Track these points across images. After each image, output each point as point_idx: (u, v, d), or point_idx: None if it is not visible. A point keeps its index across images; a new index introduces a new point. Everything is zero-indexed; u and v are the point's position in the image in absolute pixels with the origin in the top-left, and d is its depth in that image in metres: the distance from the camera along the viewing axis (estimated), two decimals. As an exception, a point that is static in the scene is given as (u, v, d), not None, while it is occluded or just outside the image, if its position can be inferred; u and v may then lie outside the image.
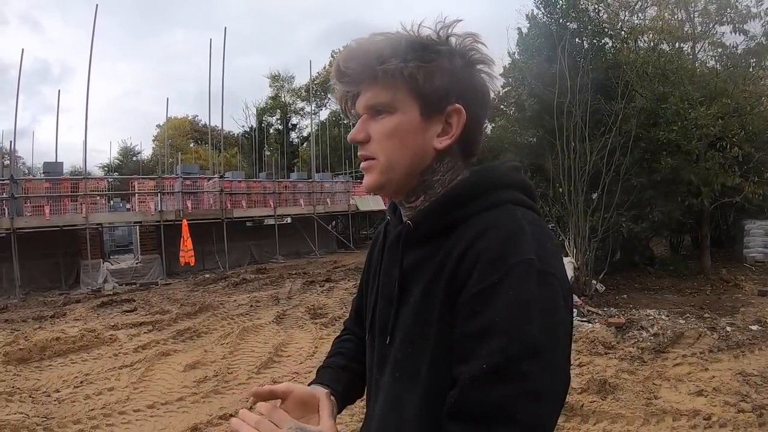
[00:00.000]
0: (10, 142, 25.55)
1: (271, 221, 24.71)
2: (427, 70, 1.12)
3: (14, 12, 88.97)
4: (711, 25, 15.19)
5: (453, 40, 1.16)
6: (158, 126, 54.95)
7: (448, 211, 1.15)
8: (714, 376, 6.59)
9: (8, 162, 23.97)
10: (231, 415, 5.97)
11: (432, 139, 1.17)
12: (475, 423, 0.98)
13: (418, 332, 1.13)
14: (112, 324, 11.17)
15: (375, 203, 29.59)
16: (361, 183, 31.82)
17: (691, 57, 15.48)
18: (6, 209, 17.63)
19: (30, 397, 7.01)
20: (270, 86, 54.52)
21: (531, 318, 1.00)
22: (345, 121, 44.87)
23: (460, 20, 1.17)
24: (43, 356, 8.78)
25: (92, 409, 6.49)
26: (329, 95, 50.81)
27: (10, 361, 8.57)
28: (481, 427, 0.97)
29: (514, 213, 1.12)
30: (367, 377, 1.37)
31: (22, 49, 20.92)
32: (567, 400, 5.74)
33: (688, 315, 9.70)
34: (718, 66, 15.37)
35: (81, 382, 7.56)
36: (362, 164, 1.21)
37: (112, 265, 20.29)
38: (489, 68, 1.20)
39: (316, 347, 8.76)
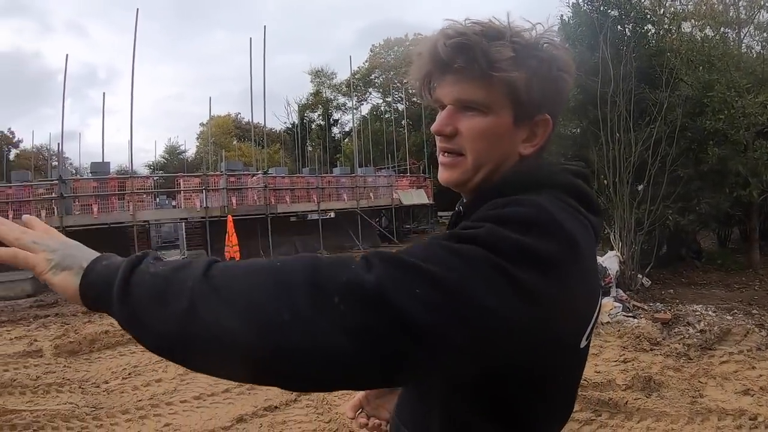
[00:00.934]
0: (58, 143, 26.29)
1: (314, 216, 24.83)
2: (529, 79, 1.10)
3: (61, 19, 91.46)
4: (757, 9, 14.81)
5: (547, 47, 1.13)
6: (201, 125, 55.96)
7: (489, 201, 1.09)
8: (761, 375, 6.42)
9: (56, 163, 24.59)
10: (276, 407, 6.10)
11: (518, 144, 1.16)
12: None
13: None
14: (160, 318, 11.31)
15: (418, 197, 29.52)
16: (403, 176, 32.01)
17: (736, 42, 15.09)
18: (55, 208, 18.18)
19: (80, 387, 7.17)
20: (311, 82, 55.09)
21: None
22: (386, 116, 45.02)
23: (554, 26, 1.16)
24: (92, 349, 8.98)
25: (140, 400, 6.62)
26: (370, 90, 51.02)
27: (60, 354, 8.81)
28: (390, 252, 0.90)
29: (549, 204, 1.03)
30: None
31: (66, 55, 21.65)
32: (611, 396, 5.69)
33: (735, 311, 9.45)
34: (764, 52, 14.98)
35: (129, 374, 7.72)
36: (443, 158, 1.18)
37: (159, 260, 20.61)
38: (571, 79, 1.17)
39: (357, 340, 8.76)
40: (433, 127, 1.16)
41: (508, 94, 1.10)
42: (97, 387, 7.24)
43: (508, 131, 1.13)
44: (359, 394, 1.56)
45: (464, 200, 1.26)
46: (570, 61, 1.16)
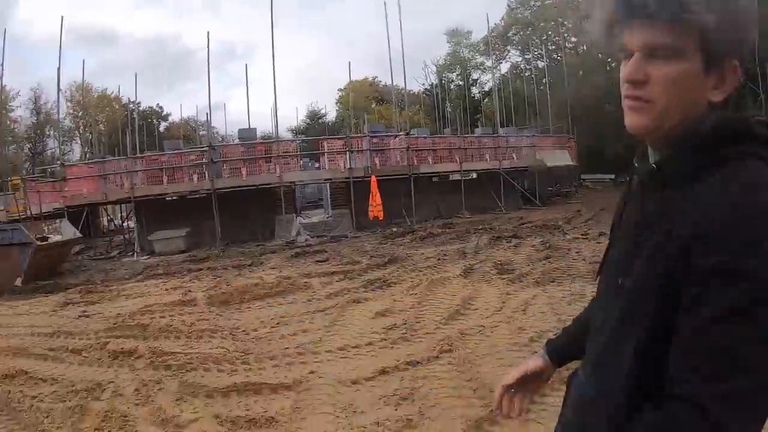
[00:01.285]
0: (207, 113, 27.77)
1: (456, 176, 24.75)
2: (720, 22, 1.03)
3: (194, 2, 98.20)
4: None
5: None
6: (340, 90, 57.11)
7: (689, 157, 1.08)
8: None
9: (204, 132, 26.12)
10: (418, 362, 5.93)
11: (707, 91, 1.10)
12: (703, 374, 0.94)
13: (643, 284, 1.08)
14: (306, 272, 11.65)
15: (562, 158, 28.55)
16: (547, 136, 31.02)
17: None
18: (206, 173, 19.43)
19: (231, 334, 7.46)
20: (447, 42, 54.61)
21: None
22: (526, 74, 43.76)
23: None
24: (242, 299, 9.34)
25: (287, 348, 6.76)
26: (508, 48, 49.76)
27: (213, 303, 9.23)
28: (712, 378, 0.93)
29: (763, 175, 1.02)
30: (591, 319, 1.37)
31: (208, 32, 22.87)
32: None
33: None
34: None
35: (277, 324, 7.92)
36: (630, 102, 1.13)
37: (304, 219, 21.34)
38: (754, 24, 1.10)
39: (503, 302, 8.45)
40: (624, 75, 1.12)
41: (699, 39, 1.06)
42: (247, 334, 7.48)
43: (698, 77, 1.09)
44: (514, 374, 1.58)
45: (653, 154, 1.21)
46: (754, 3, 1.11)
